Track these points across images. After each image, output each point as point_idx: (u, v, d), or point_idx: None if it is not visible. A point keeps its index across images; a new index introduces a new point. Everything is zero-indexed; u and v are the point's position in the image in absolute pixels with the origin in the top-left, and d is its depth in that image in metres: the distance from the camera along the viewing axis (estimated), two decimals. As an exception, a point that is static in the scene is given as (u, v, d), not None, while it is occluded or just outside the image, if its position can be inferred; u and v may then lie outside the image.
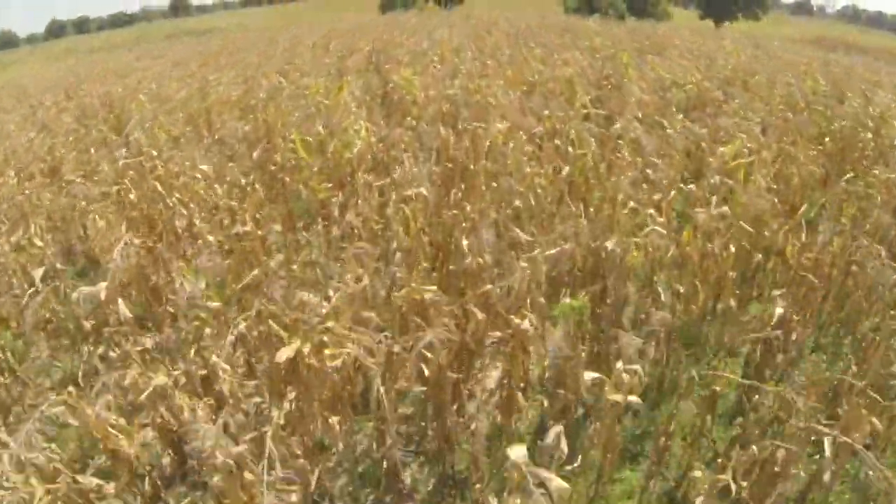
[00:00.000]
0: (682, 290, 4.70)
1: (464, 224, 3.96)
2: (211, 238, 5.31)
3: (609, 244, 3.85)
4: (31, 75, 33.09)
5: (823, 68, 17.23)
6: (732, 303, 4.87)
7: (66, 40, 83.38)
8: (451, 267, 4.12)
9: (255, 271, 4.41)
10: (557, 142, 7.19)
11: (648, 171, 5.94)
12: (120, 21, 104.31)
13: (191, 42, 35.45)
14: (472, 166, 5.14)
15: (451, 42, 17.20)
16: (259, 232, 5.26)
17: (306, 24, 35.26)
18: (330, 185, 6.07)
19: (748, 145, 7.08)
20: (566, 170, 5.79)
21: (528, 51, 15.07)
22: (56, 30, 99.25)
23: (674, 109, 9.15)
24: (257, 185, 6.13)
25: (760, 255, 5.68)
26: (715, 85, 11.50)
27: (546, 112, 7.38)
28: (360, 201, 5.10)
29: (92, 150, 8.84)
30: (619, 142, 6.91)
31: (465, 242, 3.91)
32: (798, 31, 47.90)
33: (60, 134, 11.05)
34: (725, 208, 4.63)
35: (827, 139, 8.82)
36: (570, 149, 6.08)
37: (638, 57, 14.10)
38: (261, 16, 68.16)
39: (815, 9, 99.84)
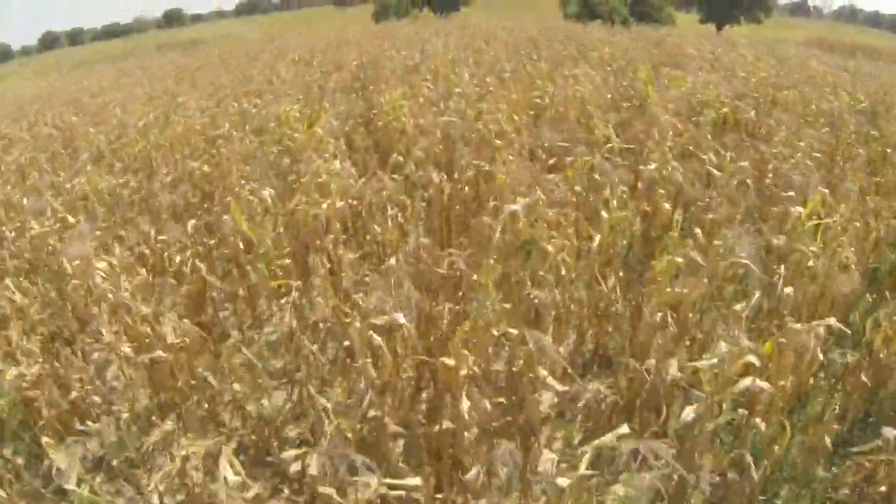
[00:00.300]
0: (763, 427, 3.32)
1: (463, 373, 2.63)
2: (126, 349, 3.95)
3: (689, 413, 2.49)
4: (12, 93, 31.69)
5: (846, 76, 15.87)
6: (828, 440, 3.52)
7: (58, 52, 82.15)
8: (444, 425, 2.77)
9: (169, 421, 3.04)
10: (578, 188, 5.83)
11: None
12: (114, 32, 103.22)
13: (178, 55, 34.11)
14: (474, 276, 3.76)
15: (446, 55, 15.78)
16: (186, 339, 3.89)
17: (298, 34, 33.88)
18: (288, 260, 4.71)
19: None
20: (597, 239, 4.42)
21: (532, 65, 13.68)
22: (50, 41, 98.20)
23: (709, 136, 7.74)
24: (199, 263, 4.76)
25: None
26: (747, 103, 10.12)
27: (568, 156, 5.96)
28: (320, 298, 3.74)
29: (25, 201, 7.41)
30: (660, 190, 5.54)
31: (465, 405, 2.56)
32: (801, 34, 46.69)
33: (3, 174, 9.67)
34: (832, 320, 3.26)
35: (891, 172, 7.47)
36: (603, 213, 4.69)
37: (654, 70, 12.73)
38: (255, 25, 66.86)
39: (811, 9, 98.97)
